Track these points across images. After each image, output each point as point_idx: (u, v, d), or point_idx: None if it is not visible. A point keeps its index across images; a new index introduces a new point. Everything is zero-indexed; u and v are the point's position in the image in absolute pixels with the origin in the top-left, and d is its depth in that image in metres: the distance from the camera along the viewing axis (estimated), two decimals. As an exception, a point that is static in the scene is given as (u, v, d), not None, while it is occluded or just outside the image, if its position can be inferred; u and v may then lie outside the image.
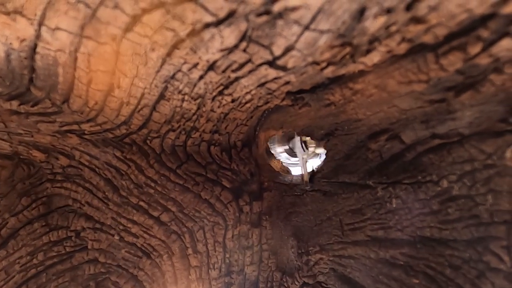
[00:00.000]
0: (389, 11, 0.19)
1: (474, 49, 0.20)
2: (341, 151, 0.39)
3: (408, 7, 0.19)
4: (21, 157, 0.41)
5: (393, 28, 0.21)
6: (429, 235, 0.29)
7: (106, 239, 0.43)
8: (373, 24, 0.21)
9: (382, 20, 0.20)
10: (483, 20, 0.19)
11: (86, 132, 0.37)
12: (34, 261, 0.40)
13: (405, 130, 0.30)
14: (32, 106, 0.31)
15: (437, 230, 0.29)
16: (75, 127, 0.35)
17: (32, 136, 0.37)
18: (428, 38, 0.21)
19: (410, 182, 0.31)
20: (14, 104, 0.31)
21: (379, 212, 0.34)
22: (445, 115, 0.27)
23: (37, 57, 0.26)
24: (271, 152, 0.59)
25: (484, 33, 0.19)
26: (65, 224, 0.42)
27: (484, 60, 0.21)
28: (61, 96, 0.31)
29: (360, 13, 0.20)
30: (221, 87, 0.30)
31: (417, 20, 0.19)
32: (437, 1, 0.18)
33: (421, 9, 0.19)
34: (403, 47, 0.22)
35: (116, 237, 0.43)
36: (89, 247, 0.43)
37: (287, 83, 0.29)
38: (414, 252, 0.31)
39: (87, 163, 0.42)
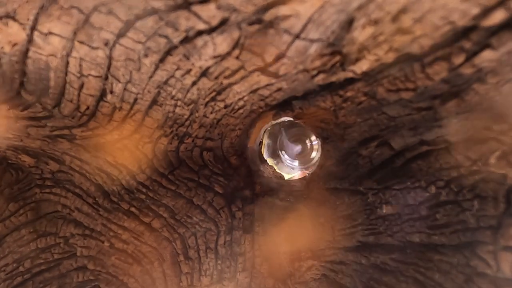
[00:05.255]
0: (376, 22, 0.20)
1: (458, 59, 0.21)
2: (332, 157, 0.39)
3: (394, 19, 0.20)
4: (9, 162, 0.40)
5: (381, 38, 0.21)
6: (418, 240, 0.30)
7: (96, 246, 0.42)
8: (361, 34, 0.21)
9: (370, 30, 0.21)
10: (465, 32, 0.19)
11: (77, 137, 0.36)
12: (21, 268, 0.39)
13: (394, 136, 0.31)
14: (22, 111, 0.31)
15: (426, 235, 0.29)
16: (66, 132, 0.35)
17: (22, 141, 0.36)
18: (414, 48, 0.22)
19: (400, 188, 0.32)
20: (4, 108, 0.31)
21: (369, 218, 0.34)
22: (432, 123, 0.28)
23: (29, 61, 0.26)
24: (263, 158, 0.60)
25: (467, 44, 0.20)
26: (53, 230, 0.42)
27: (467, 70, 0.21)
28: (52, 101, 0.30)
29: (349, 24, 0.21)
30: (214, 93, 0.31)
31: (402, 31, 0.20)
32: (421, 13, 0.19)
33: (406, 21, 0.20)
34: (391, 56, 0.23)
35: (106, 244, 0.42)
36: (78, 254, 0.42)
37: (279, 89, 0.30)
38: (404, 258, 0.31)
39: (77, 168, 0.41)
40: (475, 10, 0.18)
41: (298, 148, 0.64)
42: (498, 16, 0.18)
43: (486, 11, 0.18)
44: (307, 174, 0.47)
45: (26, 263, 0.40)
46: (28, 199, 0.41)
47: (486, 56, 0.20)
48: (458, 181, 0.27)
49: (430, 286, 0.29)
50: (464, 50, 0.20)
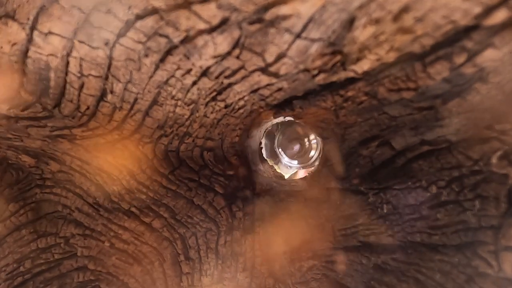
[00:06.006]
0: (377, 21, 0.20)
1: (460, 59, 0.21)
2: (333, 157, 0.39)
3: (395, 18, 0.20)
4: (9, 162, 0.40)
5: (382, 38, 0.21)
6: (419, 240, 0.30)
7: (96, 246, 0.42)
8: (362, 33, 0.21)
9: (371, 30, 0.21)
10: (467, 31, 0.19)
11: (77, 137, 0.36)
12: (21, 268, 0.39)
13: (395, 136, 0.31)
14: (22, 110, 0.31)
15: (427, 235, 0.29)
16: (66, 132, 0.35)
17: (22, 141, 0.36)
18: (415, 48, 0.22)
19: (401, 188, 0.32)
20: (4, 108, 0.31)
21: (370, 218, 0.34)
22: (433, 122, 0.27)
23: (29, 61, 0.26)
24: (263, 158, 0.60)
25: (469, 44, 0.20)
26: (54, 230, 0.42)
27: (469, 70, 0.21)
28: (52, 101, 0.30)
29: (350, 23, 0.20)
30: (214, 93, 0.31)
31: (404, 30, 0.20)
32: (423, 12, 0.19)
33: (407, 20, 0.19)
34: (392, 56, 0.23)
35: (107, 244, 0.42)
36: (79, 254, 0.42)
37: (280, 89, 0.29)
38: (405, 258, 0.31)
39: (78, 168, 0.41)
40: (477, 9, 0.18)
41: (296, 147, 0.64)
42: (500, 16, 0.18)
43: (488, 10, 0.18)
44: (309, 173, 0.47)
45: (27, 263, 0.40)
46: (29, 199, 0.41)
47: (489, 56, 0.20)
48: (459, 181, 0.27)
49: (431, 286, 0.29)
50: (466, 50, 0.20)
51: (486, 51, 0.20)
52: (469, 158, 0.26)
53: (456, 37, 0.20)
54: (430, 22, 0.19)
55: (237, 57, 0.25)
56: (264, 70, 0.26)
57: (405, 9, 0.19)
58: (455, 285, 0.27)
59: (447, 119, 0.26)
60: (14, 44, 0.25)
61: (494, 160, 0.25)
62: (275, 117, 0.40)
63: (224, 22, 0.21)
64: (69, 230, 0.42)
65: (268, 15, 0.20)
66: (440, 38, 0.20)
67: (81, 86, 0.29)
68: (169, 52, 0.25)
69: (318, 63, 0.25)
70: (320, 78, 0.27)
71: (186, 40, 0.23)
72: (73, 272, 0.42)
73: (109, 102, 0.31)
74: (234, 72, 0.27)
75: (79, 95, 0.29)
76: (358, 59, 0.24)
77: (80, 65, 0.26)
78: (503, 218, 0.24)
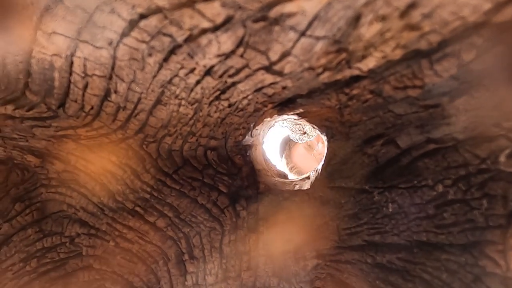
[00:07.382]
0: (383, 18, 0.20)
1: (468, 55, 0.20)
2: (337, 156, 0.39)
3: (402, 15, 0.19)
4: (15, 162, 0.41)
5: (388, 35, 0.21)
6: (426, 239, 0.30)
7: (101, 245, 0.42)
8: (368, 30, 0.21)
9: (377, 27, 0.20)
10: (476, 27, 0.19)
11: (82, 137, 0.37)
12: (27, 268, 0.40)
13: (400, 135, 0.31)
14: (27, 111, 0.31)
15: (433, 234, 0.29)
16: (70, 132, 0.35)
17: (27, 141, 0.37)
18: (422, 45, 0.21)
19: (406, 187, 0.31)
20: (9, 109, 0.31)
21: (375, 217, 0.34)
22: (440, 120, 0.27)
23: (33, 61, 0.26)
24: (267, 157, 0.59)
25: (478, 41, 0.20)
26: (59, 230, 0.42)
27: (478, 66, 0.21)
28: (57, 101, 0.30)
29: (356, 20, 0.20)
30: (218, 92, 0.30)
31: (411, 27, 0.20)
32: (430, 9, 0.18)
33: (414, 17, 0.19)
34: (398, 53, 0.23)
35: (111, 243, 0.42)
36: (84, 253, 0.42)
37: (284, 88, 0.29)
38: (410, 257, 0.31)
39: (82, 168, 0.41)
40: (486, 5, 0.17)
41: None
42: (510, 12, 0.17)
43: (499, 6, 0.17)
44: (312, 173, 0.47)
45: (33, 263, 0.40)
46: (34, 198, 0.42)
47: (499, 53, 0.19)
48: (466, 179, 0.27)
49: (438, 285, 0.28)
50: (475, 46, 0.20)
51: (496, 48, 0.19)
52: (477, 156, 0.26)
53: (465, 34, 0.20)
54: (438, 19, 0.19)
55: (241, 56, 0.24)
56: (268, 68, 0.26)
57: (412, 5, 0.19)
58: (462, 284, 0.26)
59: (454, 117, 0.26)
60: (18, 44, 0.25)
61: (502, 158, 0.24)
62: (279, 116, 0.39)
63: (228, 20, 0.21)
64: (74, 230, 0.42)
65: (273, 13, 0.20)
66: (448, 35, 0.20)
67: (85, 86, 0.29)
68: (172, 51, 0.24)
69: (323, 61, 0.24)
70: (325, 76, 0.27)
71: (190, 39, 0.23)
72: (79, 271, 0.42)
73: (113, 102, 0.31)
74: (238, 71, 0.27)
75: (83, 95, 0.30)
76: (363, 57, 0.24)
77: (84, 65, 0.26)
78: (511, 217, 0.24)
